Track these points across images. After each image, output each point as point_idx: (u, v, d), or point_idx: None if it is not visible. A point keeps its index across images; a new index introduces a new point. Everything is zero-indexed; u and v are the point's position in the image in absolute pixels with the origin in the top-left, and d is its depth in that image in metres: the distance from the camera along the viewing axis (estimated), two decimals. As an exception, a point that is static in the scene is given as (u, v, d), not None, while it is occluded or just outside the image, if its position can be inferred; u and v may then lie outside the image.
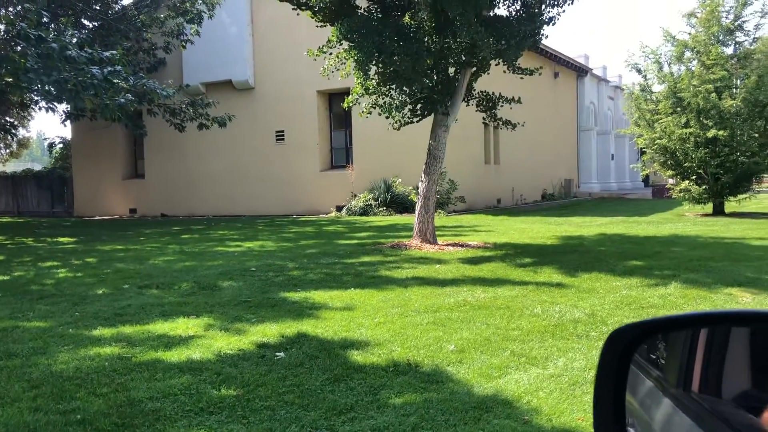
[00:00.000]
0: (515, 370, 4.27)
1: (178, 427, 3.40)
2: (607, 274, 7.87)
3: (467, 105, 11.58)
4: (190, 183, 22.78)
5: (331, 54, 10.83)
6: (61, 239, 14.54)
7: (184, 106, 18.55)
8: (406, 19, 10.14)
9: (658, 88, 18.14)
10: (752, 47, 17.23)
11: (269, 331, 5.31)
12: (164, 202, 23.38)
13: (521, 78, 11.54)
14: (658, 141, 17.33)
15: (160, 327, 5.54)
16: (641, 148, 19.42)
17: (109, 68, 10.91)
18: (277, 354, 4.67)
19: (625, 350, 0.85)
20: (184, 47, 20.34)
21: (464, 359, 4.50)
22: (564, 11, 10.47)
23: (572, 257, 9.36)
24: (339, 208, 19.82)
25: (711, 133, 15.93)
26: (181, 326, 5.54)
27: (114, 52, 11.92)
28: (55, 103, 18.22)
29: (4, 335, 5.40)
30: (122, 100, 12.07)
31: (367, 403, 3.69)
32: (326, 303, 6.45)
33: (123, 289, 7.53)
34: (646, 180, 34.69)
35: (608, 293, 6.77)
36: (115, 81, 10.98)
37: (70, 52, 10.11)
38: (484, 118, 12.08)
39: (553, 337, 5.10)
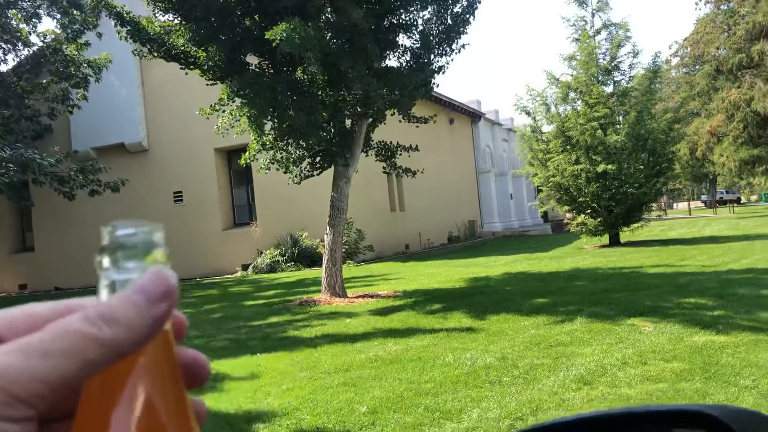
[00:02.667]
0: (429, 428, 4.13)
1: None
2: (515, 314, 7.93)
3: (366, 155, 11.62)
4: (85, 253, 21.59)
5: (224, 112, 10.63)
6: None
7: (72, 173, 17.69)
8: (299, 73, 10.13)
9: (547, 128, 18.98)
10: (629, 85, 18.40)
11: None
12: (58, 274, 22.03)
13: (417, 126, 11.73)
14: (552, 179, 18.03)
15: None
16: (537, 186, 20.15)
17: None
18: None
19: None
20: (70, 113, 19.51)
21: (377, 420, 4.32)
22: (453, 59, 10.78)
23: (480, 299, 9.41)
24: (245, 267, 19.30)
25: (600, 168, 16.72)
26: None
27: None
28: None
29: None
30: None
31: (275, 483, 3.43)
32: (230, 373, 6.11)
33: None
34: (545, 216, 36.12)
35: (517, 334, 6.79)
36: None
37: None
38: (384, 167, 12.15)
39: (466, 386, 5.00)
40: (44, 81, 18.89)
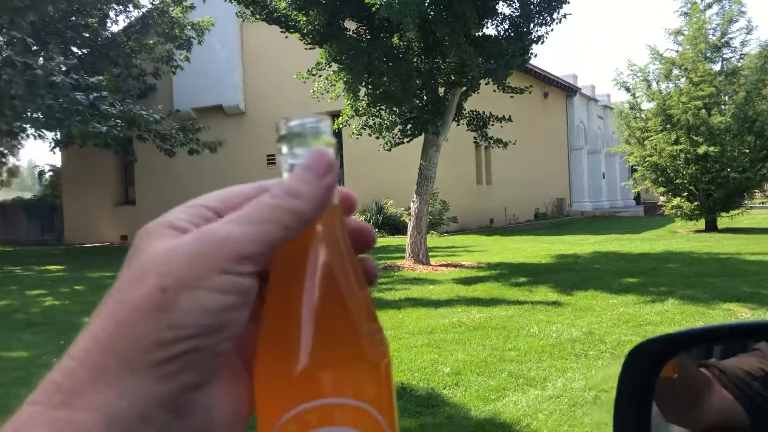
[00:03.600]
0: (513, 392, 4.16)
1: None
2: (603, 291, 7.78)
3: (458, 124, 11.55)
4: (181, 208, 22.55)
5: (320, 76, 10.80)
6: (49, 267, 14.34)
7: (174, 131, 18.47)
8: (395, 40, 10.14)
9: (647, 105, 18.22)
10: (739, 63, 17.36)
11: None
12: (155, 228, 23.13)
13: (511, 97, 11.55)
14: (648, 158, 17.37)
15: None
16: (632, 166, 19.47)
17: (95, 94, 10.84)
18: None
19: (650, 365, 0.75)
20: (173, 73, 20.32)
21: (460, 381, 4.38)
22: (552, 30, 10.51)
23: (567, 275, 9.28)
24: (331, 231, 19.66)
25: (701, 150, 15.96)
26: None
27: (100, 77, 11.87)
28: (44, 131, 18.14)
29: (-13, 366, 5.25)
30: (107, 127, 11.98)
31: (361, 430, 3.56)
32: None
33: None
34: (637, 198, 34.83)
35: (605, 311, 6.68)
36: (102, 107, 10.91)
37: (54, 78, 10.06)
38: (475, 138, 12.06)
39: (551, 357, 4.99)
40: (151, 42, 19.73)
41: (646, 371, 0.75)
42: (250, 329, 0.38)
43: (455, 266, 10.60)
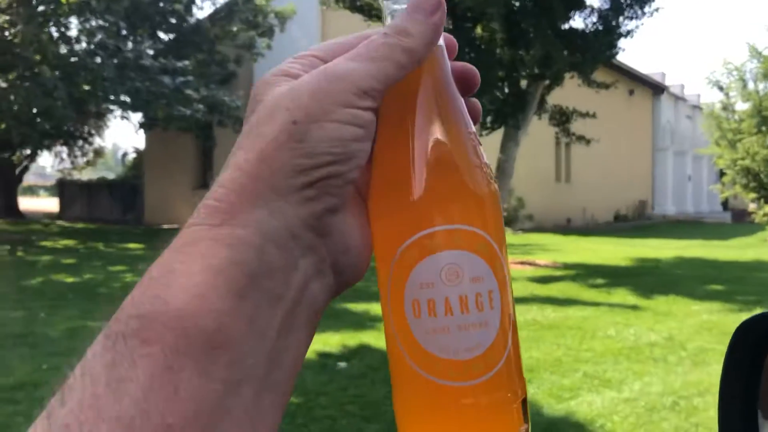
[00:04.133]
0: (588, 392, 4.02)
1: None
2: (685, 297, 7.46)
3: (539, 118, 11.30)
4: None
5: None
6: (129, 245, 14.94)
7: (254, 117, 18.86)
8: (478, 30, 9.99)
9: (741, 106, 17.34)
10: None
11: (331, 341, 5.20)
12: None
13: (596, 92, 11.20)
14: (740, 162, 16.54)
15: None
16: (721, 170, 18.59)
17: (181, 79, 11.17)
18: (339, 364, 4.56)
19: (761, 342, 0.67)
20: (255, 60, 20.73)
21: (533, 379, 4.28)
22: (642, 24, 10.13)
23: (647, 279, 8.95)
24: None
25: (799, 155, 15.07)
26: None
27: (186, 62, 12.21)
28: (130, 112, 18.87)
29: (73, 334, 5.49)
30: (191, 111, 12.33)
31: (430, 419, 3.52)
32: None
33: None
34: (725, 204, 33.27)
35: (687, 317, 6.40)
36: (186, 91, 11.23)
37: (143, 61, 10.42)
38: (556, 133, 11.77)
39: (628, 360, 4.81)
40: (234, 29, 20.18)
41: (753, 351, 0.67)
42: (363, 168, 0.40)
43: (530, 264, 10.40)
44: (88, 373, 0.30)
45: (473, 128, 0.43)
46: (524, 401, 0.43)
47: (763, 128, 16.07)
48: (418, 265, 0.40)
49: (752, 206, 18.62)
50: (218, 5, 21.01)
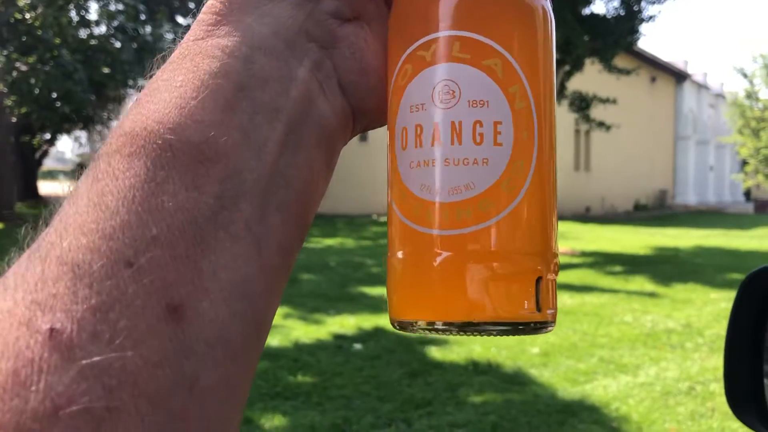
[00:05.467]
0: (603, 377, 4.03)
1: (254, 410, 3.36)
2: (704, 285, 7.41)
3: (559, 104, 11.20)
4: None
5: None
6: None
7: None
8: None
9: (765, 94, 17.10)
10: None
11: (347, 323, 5.25)
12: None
13: (617, 78, 11.10)
14: (763, 150, 16.35)
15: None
16: (744, 159, 18.36)
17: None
18: (355, 345, 4.60)
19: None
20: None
21: (549, 363, 4.29)
22: (664, 9, 10.00)
23: (666, 267, 8.89)
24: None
25: (824, 144, 14.85)
26: (261, 314, 5.56)
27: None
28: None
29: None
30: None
31: (445, 399, 3.56)
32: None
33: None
34: (747, 194, 32.87)
35: (705, 305, 6.35)
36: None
37: (162, 45, 10.49)
38: (576, 120, 11.68)
39: (644, 346, 4.80)
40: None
41: (760, 304, 0.67)
42: None
43: (547, 251, 10.36)
44: (73, 195, 0.29)
45: None
46: (549, 283, 0.35)
47: (788, 117, 15.85)
48: (411, 83, 0.34)
49: (775, 196, 18.39)
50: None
